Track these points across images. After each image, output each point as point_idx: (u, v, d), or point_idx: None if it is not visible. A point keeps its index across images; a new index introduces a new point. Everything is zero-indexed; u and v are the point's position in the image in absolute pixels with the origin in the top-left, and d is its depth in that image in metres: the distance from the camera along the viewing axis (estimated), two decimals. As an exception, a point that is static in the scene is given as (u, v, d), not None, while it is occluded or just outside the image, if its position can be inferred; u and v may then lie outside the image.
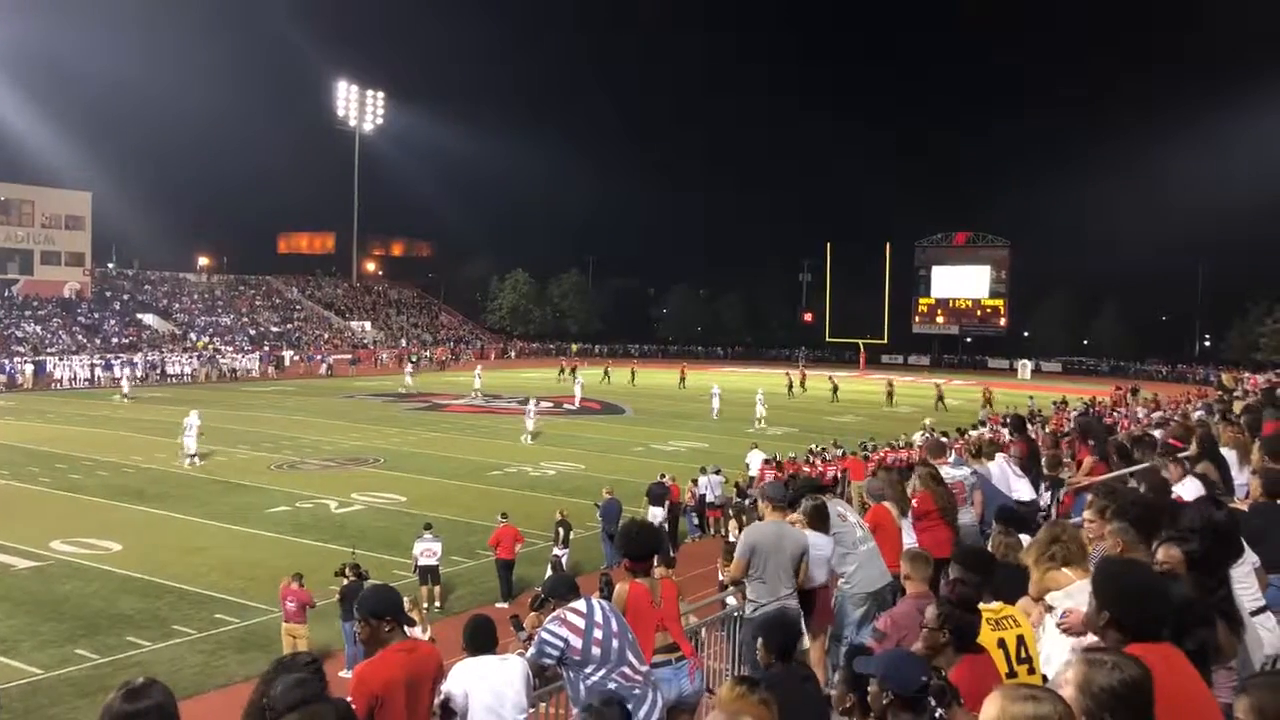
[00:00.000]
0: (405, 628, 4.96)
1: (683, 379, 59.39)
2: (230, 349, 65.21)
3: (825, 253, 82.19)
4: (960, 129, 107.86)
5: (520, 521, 19.10)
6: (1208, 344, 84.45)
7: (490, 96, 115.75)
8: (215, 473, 27.80)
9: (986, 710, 2.62)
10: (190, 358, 60.42)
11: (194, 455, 28.52)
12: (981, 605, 4.49)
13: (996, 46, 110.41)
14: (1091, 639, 4.03)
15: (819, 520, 7.50)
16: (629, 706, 4.98)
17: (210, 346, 64.42)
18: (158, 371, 57.26)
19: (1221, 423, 12.03)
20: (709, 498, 23.24)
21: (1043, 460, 12.24)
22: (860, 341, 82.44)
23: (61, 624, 15.48)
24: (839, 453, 28.27)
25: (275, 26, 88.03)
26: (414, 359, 71.79)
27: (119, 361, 56.02)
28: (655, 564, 6.23)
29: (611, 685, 5.00)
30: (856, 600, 7.47)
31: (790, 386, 51.86)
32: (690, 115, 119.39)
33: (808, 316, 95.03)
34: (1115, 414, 36.22)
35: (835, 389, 53.87)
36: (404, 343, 78.63)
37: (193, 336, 66.79)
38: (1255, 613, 4.60)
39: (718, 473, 23.89)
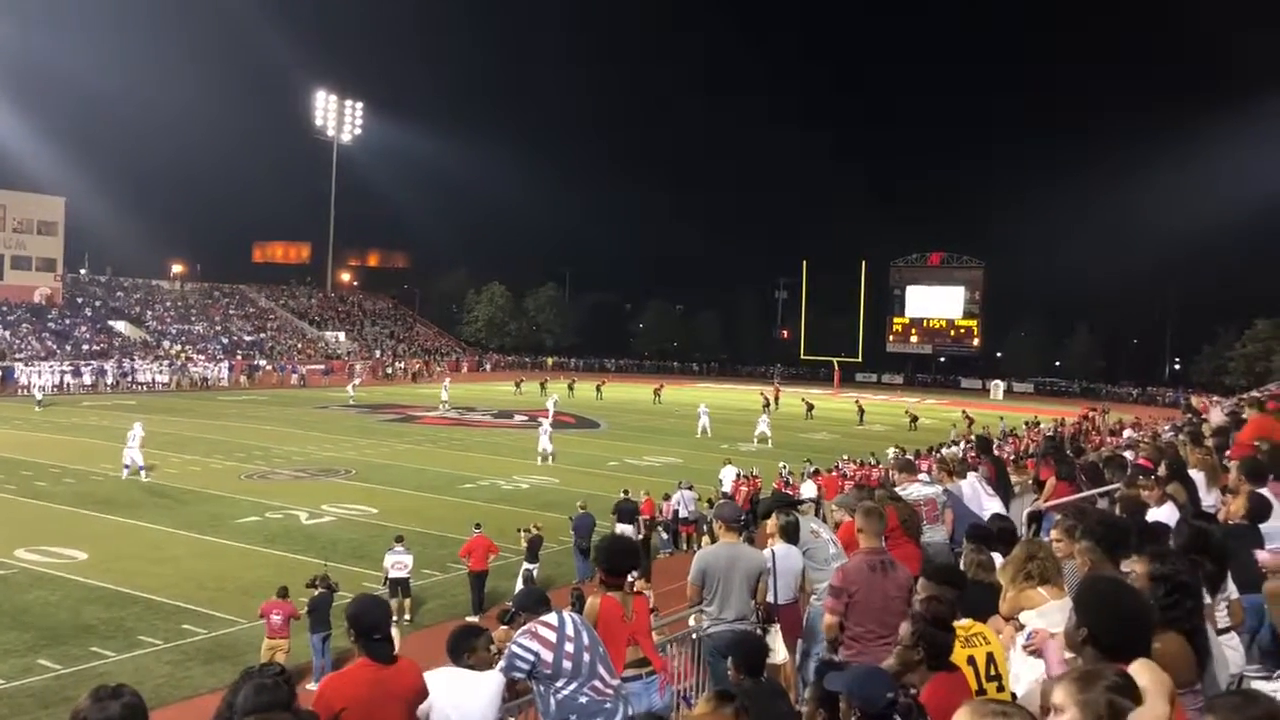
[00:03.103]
0: (383, 651, 4.80)
1: (658, 394, 59.41)
2: (202, 358, 64.67)
3: (801, 271, 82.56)
4: (936, 150, 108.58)
5: (492, 535, 19.00)
6: (1178, 367, 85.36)
7: (469, 109, 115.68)
8: (184, 482, 27.53)
9: (955, 725, 2.62)
10: (162, 366, 59.88)
11: (141, 467, 27.64)
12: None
13: (972, 70, 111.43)
14: (1063, 656, 4.05)
15: (790, 536, 7.52)
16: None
17: (182, 355, 63.87)
18: (129, 379, 56.70)
19: (1190, 445, 12.12)
20: (682, 513, 23.23)
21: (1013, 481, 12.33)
22: (835, 360, 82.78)
23: (24, 633, 15.26)
24: (811, 469, 28.37)
25: (255, 35, 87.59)
26: (387, 371, 71.70)
27: (89, 367, 55.49)
28: (634, 577, 6.24)
29: (582, 699, 4.98)
30: (828, 617, 7.47)
31: (767, 404, 52.08)
32: (668, 131, 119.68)
33: (783, 334, 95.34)
34: (1081, 437, 36.47)
35: (810, 407, 54.09)
36: (378, 353, 78.32)
37: (165, 344, 66.21)
38: (1221, 632, 4.64)
39: (690, 488, 23.91)
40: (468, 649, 5.29)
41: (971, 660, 4.39)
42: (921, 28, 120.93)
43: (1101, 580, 3.98)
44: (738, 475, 27.16)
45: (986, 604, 5.19)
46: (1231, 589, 4.99)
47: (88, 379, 54.42)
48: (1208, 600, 4.58)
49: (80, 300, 69.52)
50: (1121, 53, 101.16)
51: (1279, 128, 70.63)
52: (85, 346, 61.20)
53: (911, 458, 15.66)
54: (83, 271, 76.08)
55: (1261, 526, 6.36)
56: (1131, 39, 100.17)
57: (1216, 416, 19.50)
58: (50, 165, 67.59)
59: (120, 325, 67.50)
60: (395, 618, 16.03)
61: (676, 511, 23.32)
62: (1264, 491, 6.73)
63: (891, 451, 31.37)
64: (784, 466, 29.25)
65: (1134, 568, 4.25)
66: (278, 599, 14.41)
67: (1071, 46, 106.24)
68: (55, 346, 59.86)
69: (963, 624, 4.58)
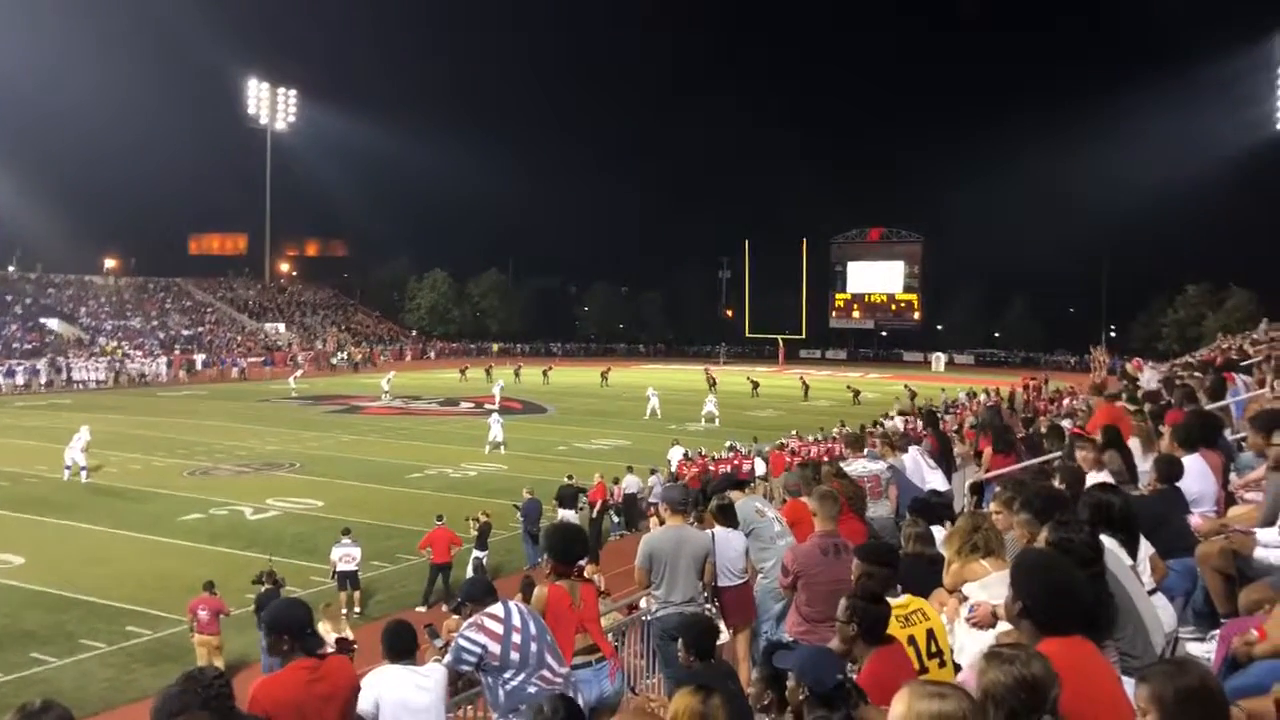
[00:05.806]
0: (318, 645, 4.77)
1: (605, 377, 59.35)
2: (139, 353, 63.39)
3: (743, 250, 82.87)
4: (872, 127, 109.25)
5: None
6: (1114, 335, 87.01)
7: (405, 95, 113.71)
8: (125, 481, 27.03)
9: (895, 707, 2.64)
10: (98, 363, 58.57)
11: (84, 468, 26.90)
12: (890, 600, 4.54)
13: (906, 47, 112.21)
14: (1003, 627, 4.11)
15: (727, 518, 7.56)
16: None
17: (118, 351, 62.56)
18: (64, 378, 55.42)
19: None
20: (653, 497, 23.19)
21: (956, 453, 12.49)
22: (779, 337, 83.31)
23: (-39, 642, 14.93)
24: (762, 448, 28.57)
25: (183, 22, 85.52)
26: (332, 362, 71.00)
27: (22, 367, 54.12)
28: (584, 563, 6.23)
29: (531, 689, 4.97)
30: (776, 594, 7.53)
31: (713, 383, 52.38)
32: (608, 114, 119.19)
33: (728, 313, 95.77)
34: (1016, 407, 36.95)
35: (755, 385, 54.38)
36: (320, 344, 77.31)
37: (101, 341, 64.81)
38: (1150, 593, 4.74)
39: (654, 473, 24.10)
40: (406, 645, 5.26)
41: (911, 640, 4.43)
42: (855, 4, 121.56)
43: (1034, 553, 4.04)
44: (685, 456, 27.28)
45: (925, 577, 5.25)
46: (1144, 550, 5.09)
47: (21, 379, 53.08)
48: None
49: (10, 298, 67.78)
50: (1054, 25, 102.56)
51: (1208, 97, 72.17)
52: (16, 345, 59.75)
53: (860, 432, 15.84)
54: (11, 269, 74.15)
55: (1189, 491, 6.50)
56: (1064, 11, 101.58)
57: (1148, 378, 19.90)
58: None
59: (52, 323, 65.99)
60: (345, 610, 15.92)
61: (648, 495, 23.35)
62: (1189, 459, 6.87)
63: (835, 431, 31.70)
64: (731, 444, 29.42)
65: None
66: (205, 594, 14.20)
67: (1006, 20, 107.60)
68: (-15, 346, 58.36)
69: (900, 601, 4.62)
